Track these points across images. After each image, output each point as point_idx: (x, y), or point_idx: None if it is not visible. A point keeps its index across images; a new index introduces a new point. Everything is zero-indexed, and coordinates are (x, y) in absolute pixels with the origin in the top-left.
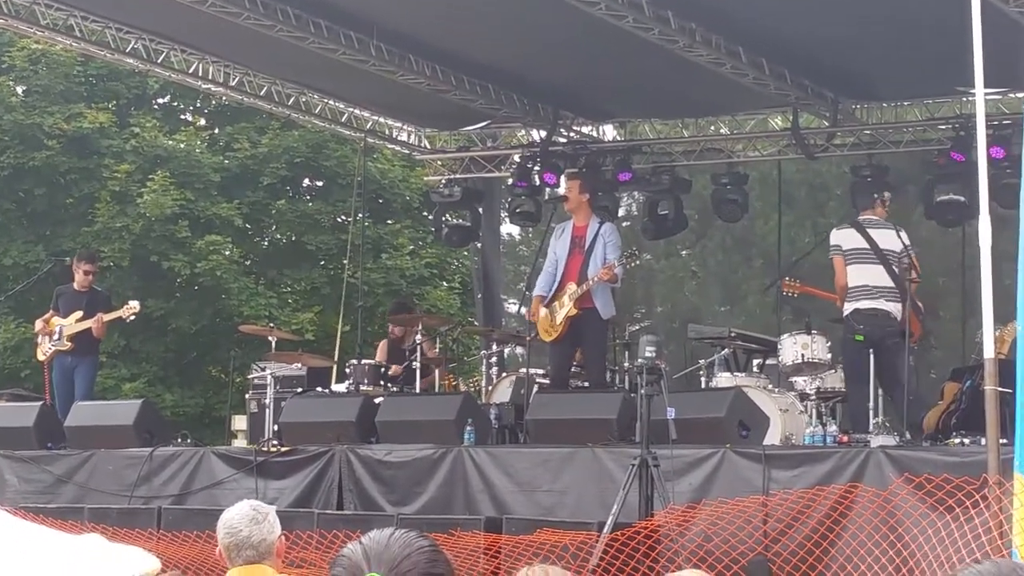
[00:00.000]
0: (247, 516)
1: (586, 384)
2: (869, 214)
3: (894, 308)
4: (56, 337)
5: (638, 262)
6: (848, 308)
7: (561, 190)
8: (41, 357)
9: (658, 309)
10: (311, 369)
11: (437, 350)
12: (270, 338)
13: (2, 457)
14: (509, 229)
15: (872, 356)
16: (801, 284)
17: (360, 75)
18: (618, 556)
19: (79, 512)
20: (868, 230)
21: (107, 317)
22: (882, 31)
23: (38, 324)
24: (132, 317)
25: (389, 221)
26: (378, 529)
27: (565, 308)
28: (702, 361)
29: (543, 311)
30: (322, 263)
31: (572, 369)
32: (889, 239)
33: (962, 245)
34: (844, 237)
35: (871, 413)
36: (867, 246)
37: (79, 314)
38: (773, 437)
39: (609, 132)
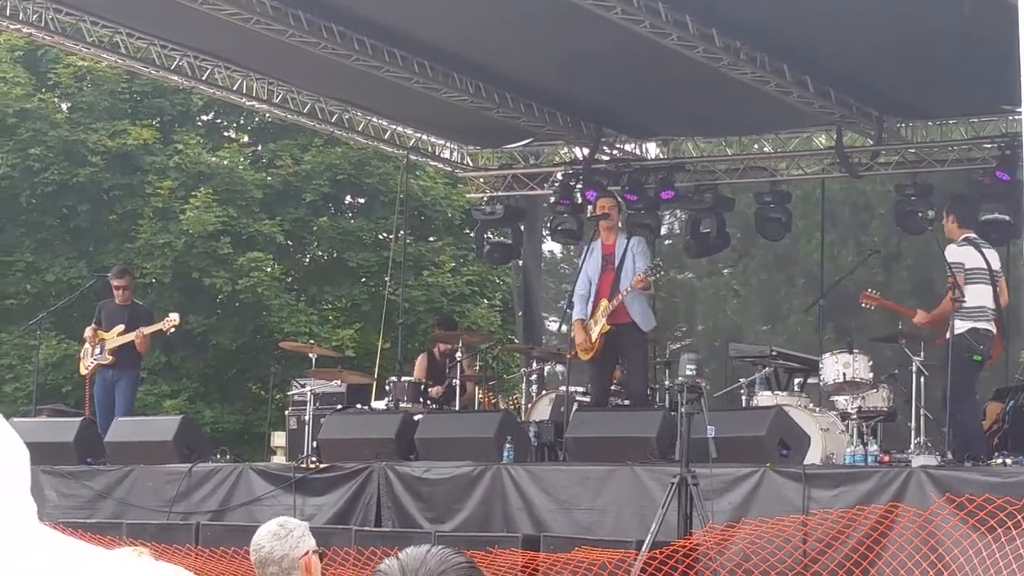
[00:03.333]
0: (270, 532)
1: (626, 401)
2: (971, 232)
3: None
4: (98, 351)
5: (662, 273)
6: (965, 326)
7: (595, 210)
8: (83, 371)
9: (699, 327)
10: (351, 386)
11: (477, 367)
12: (310, 355)
13: (42, 472)
14: (551, 247)
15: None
16: (880, 297)
17: (403, 92)
18: (656, 575)
19: (118, 528)
20: (983, 249)
21: (148, 330)
22: (927, 49)
23: (87, 331)
24: (172, 329)
25: (431, 238)
26: (415, 545)
27: (598, 325)
28: (743, 379)
29: (582, 333)
30: (363, 280)
31: (612, 387)
32: (995, 259)
33: (1007, 265)
34: (966, 256)
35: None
36: (984, 266)
37: (121, 328)
38: (814, 456)
39: (652, 150)
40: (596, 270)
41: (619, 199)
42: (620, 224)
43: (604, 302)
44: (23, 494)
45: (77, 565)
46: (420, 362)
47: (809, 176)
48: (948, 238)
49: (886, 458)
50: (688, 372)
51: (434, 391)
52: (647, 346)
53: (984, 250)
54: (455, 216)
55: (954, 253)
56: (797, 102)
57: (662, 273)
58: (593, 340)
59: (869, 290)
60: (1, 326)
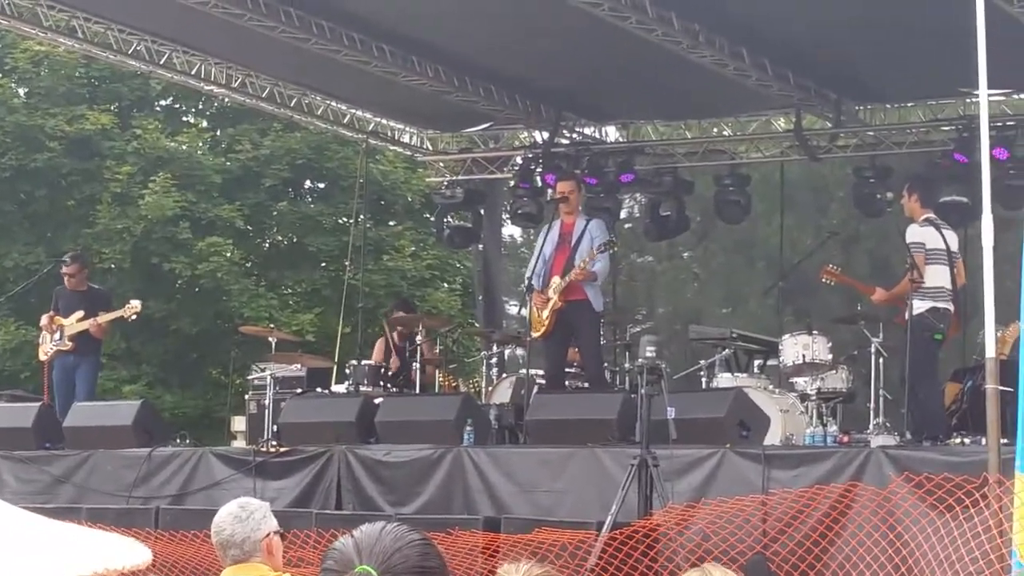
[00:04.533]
0: (231, 514)
1: (586, 385)
2: (932, 212)
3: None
4: (57, 337)
5: (615, 249)
6: (925, 306)
7: (556, 192)
8: (42, 357)
9: (660, 310)
10: (311, 370)
11: (437, 351)
12: (270, 339)
13: (0, 457)
14: (511, 231)
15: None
16: (841, 273)
17: (362, 76)
18: (616, 555)
19: (77, 512)
20: (943, 231)
21: (104, 318)
22: (885, 32)
23: (43, 319)
24: (134, 317)
25: (391, 223)
26: (369, 523)
27: (550, 302)
28: (703, 362)
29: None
30: (323, 265)
31: (569, 369)
32: (954, 241)
33: (964, 246)
34: (927, 236)
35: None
36: (943, 247)
37: (80, 314)
38: (773, 437)
39: (611, 133)
40: (552, 248)
41: (580, 181)
42: (580, 207)
43: (556, 279)
44: None
45: (36, 533)
46: (379, 345)
47: (768, 159)
48: (909, 217)
49: (845, 438)
50: (648, 354)
51: (392, 362)
52: (600, 326)
53: (944, 231)
54: (415, 200)
55: (915, 233)
56: (756, 85)
57: (616, 248)
58: (544, 317)
59: (830, 265)
60: None
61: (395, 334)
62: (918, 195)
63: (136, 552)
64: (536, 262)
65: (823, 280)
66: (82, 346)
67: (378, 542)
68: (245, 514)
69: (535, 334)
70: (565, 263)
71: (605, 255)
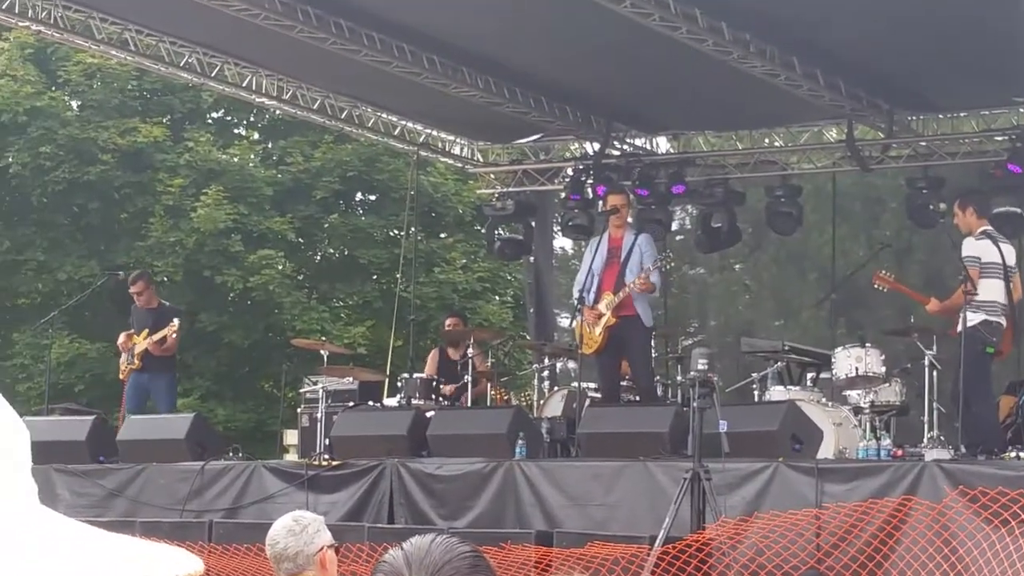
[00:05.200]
0: (285, 528)
1: (636, 398)
2: (988, 224)
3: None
4: (129, 356)
5: (672, 264)
6: (977, 319)
7: (606, 205)
8: (121, 376)
9: (711, 323)
10: (363, 383)
11: (489, 364)
12: (322, 352)
13: (54, 471)
14: (562, 243)
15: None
16: (894, 280)
17: (413, 88)
18: (669, 569)
19: (131, 526)
20: (999, 244)
21: (157, 337)
22: (937, 42)
23: (121, 338)
24: (174, 335)
25: (442, 235)
26: (419, 535)
27: (603, 318)
28: (755, 375)
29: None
30: (375, 277)
31: (622, 383)
32: (1011, 254)
33: (1021, 257)
34: (983, 250)
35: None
36: (999, 260)
37: (146, 332)
38: (826, 451)
39: (663, 144)
40: (601, 263)
41: (630, 195)
42: (630, 220)
43: (608, 295)
44: (25, 473)
45: (83, 542)
46: (432, 358)
47: (820, 170)
48: (966, 231)
49: (899, 452)
50: (700, 367)
51: (447, 389)
52: (650, 340)
53: (1001, 244)
54: (466, 212)
55: (971, 247)
56: (807, 95)
57: (672, 264)
58: (597, 334)
59: (883, 272)
60: (13, 325)
61: (448, 350)
62: (974, 207)
63: (188, 562)
64: (585, 277)
65: (875, 286)
66: (149, 364)
67: (428, 555)
68: (299, 527)
69: (587, 351)
70: (615, 279)
71: (658, 271)
